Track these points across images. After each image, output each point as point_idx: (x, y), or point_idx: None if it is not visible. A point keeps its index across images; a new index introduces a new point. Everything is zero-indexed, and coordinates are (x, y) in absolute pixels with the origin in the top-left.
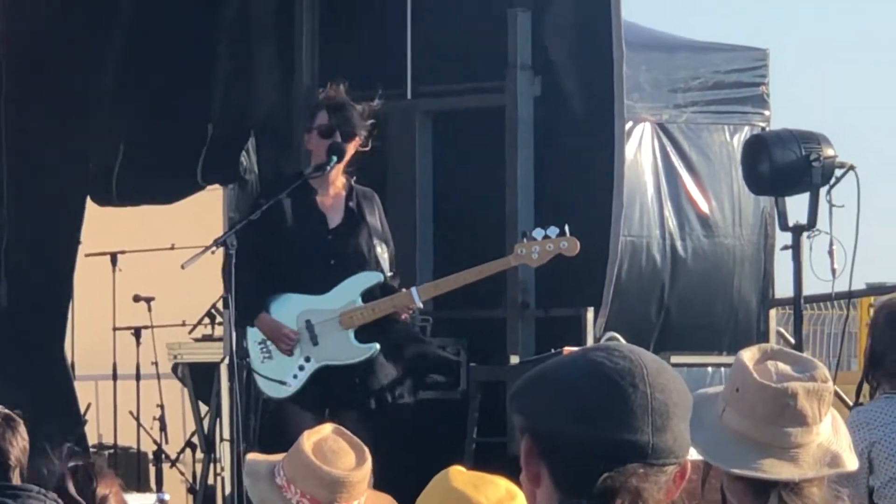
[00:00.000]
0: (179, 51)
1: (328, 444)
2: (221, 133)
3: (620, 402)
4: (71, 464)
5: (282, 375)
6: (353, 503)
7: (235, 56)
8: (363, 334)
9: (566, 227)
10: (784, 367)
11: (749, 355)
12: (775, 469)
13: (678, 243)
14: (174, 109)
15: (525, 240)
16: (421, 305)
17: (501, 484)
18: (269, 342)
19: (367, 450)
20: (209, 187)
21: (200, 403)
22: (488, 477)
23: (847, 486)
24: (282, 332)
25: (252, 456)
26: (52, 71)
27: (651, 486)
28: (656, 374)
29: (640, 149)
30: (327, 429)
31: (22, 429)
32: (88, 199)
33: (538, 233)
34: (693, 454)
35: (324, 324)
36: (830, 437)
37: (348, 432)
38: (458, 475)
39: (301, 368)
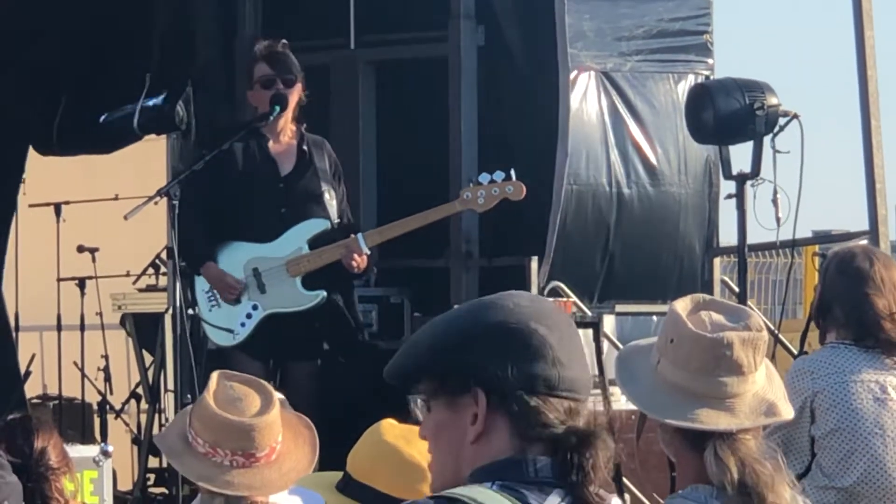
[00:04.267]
0: (118, 2)
1: (230, 393)
2: (159, 83)
3: (537, 338)
4: (9, 417)
5: (229, 323)
6: (278, 438)
7: (173, 6)
8: (311, 282)
9: (511, 172)
10: (718, 317)
11: (682, 306)
12: (712, 419)
13: (624, 191)
14: (113, 59)
15: (471, 184)
16: (367, 251)
17: None
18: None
19: (264, 383)
20: (150, 137)
21: (145, 353)
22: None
23: (787, 433)
24: (225, 280)
25: (157, 434)
26: None
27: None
28: (557, 316)
29: (585, 98)
30: (215, 378)
31: None
32: (31, 149)
33: (484, 177)
34: (629, 405)
35: (271, 271)
36: (765, 386)
37: (236, 373)
38: (390, 429)
39: (249, 316)
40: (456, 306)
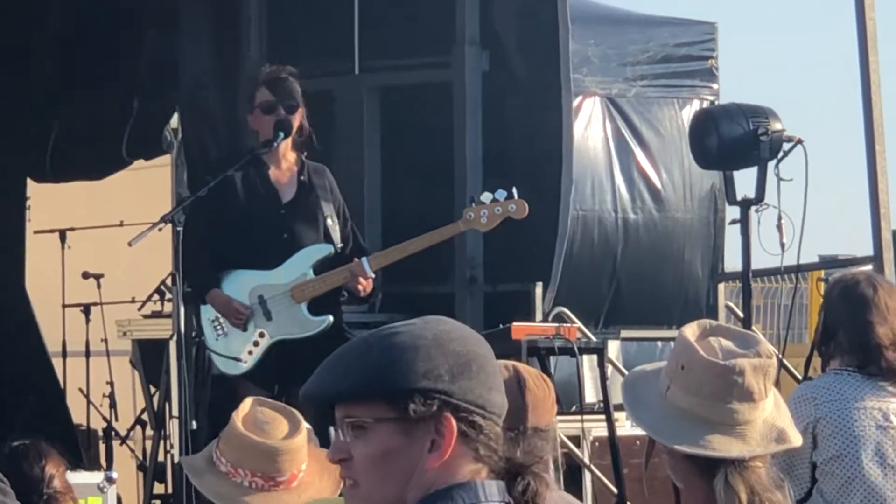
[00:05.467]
0: (107, 26)
1: (258, 416)
2: (146, 108)
3: (490, 365)
4: (17, 443)
5: (236, 352)
6: (301, 466)
7: (162, 31)
8: (317, 307)
9: (514, 190)
10: (727, 344)
11: (691, 331)
12: (724, 446)
13: (630, 217)
14: (101, 85)
15: (474, 204)
16: (372, 275)
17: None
18: (222, 319)
19: (295, 412)
20: (150, 164)
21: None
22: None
23: (788, 458)
24: (232, 306)
25: (185, 457)
26: None
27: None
28: (487, 344)
29: (590, 123)
30: (248, 403)
31: None
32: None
33: (486, 196)
34: (634, 430)
35: (276, 298)
36: (774, 412)
37: (270, 400)
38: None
39: (256, 344)
40: (392, 327)
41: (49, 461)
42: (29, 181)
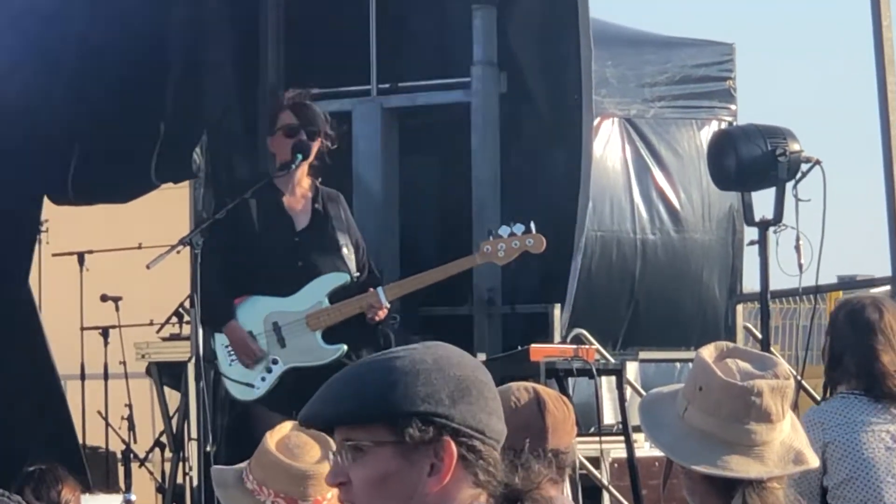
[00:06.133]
0: (132, 48)
1: (292, 440)
2: (174, 131)
3: (489, 390)
4: (34, 468)
5: (249, 378)
6: (327, 495)
7: (188, 54)
8: (331, 336)
9: (531, 224)
10: (745, 365)
11: (708, 353)
12: (742, 467)
13: (649, 238)
14: (127, 107)
15: (491, 237)
16: (387, 305)
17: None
18: None
19: (330, 440)
20: (169, 185)
21: (168, 402)
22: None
23: (799, 483)
24: (247, 345)
25: (217, 467)
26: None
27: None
28: (486, 370)
29: (608, 144)
30: (287, 426)
31: None
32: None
33: (504, 230)
34: (653, 451)
35: (291, 326)
36: (791, 434)
37: (309, 429)
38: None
39: (269, 371)
40: (392, 352)
41: (65, 486)
42: (47, 204)
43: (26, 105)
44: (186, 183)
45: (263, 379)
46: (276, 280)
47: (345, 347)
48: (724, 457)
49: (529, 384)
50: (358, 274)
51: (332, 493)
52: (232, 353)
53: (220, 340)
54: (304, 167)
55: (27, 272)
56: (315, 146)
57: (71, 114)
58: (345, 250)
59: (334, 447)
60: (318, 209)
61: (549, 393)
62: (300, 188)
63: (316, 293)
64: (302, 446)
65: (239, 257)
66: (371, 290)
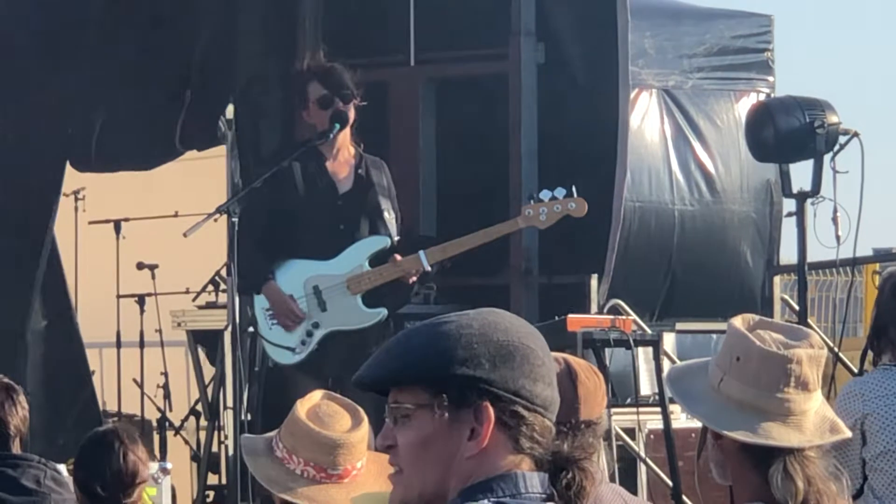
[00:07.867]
0: (159, 16)
1: (322, 408)
2: (199, 98)
3: (535, 357)
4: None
5: (290, 342)
6: (357, 464)
7: (218, 19)
8: (372, 299)
9: (573, 188)
10: (778, 336)
11: (741, 324)
12: (783, 436)
13: (687, 209)
14: (152, 75)
15: (532, 201)
16: (429, 268)
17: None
18: None
19: (361, 410)
20: (209, 153)
21: (204, 370)
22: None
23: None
24: (288, 306)
25: (247, 435)
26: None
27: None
28: (541, 337)
29: (647, 115)
30: (318, 395)
31: (22, 398)
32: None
33: (545, 194)
34: (690, 422)
35: (331, 289)
36: (824, 404)
37: (339, 396)
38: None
39: (309, 335)
40: (443, 317)
41: (137, 447)
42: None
43: (55, 64)
44: (223, 151)
45: (304, 343)
46: (317, 243)
47: (385, 311)
48: (764, 425)
49: (560, 355)
50: (398, 238)
51: (362, 462)
52: (272, 315)
53: (260, 303)
54: (347, 133)
55: (49, 232)
56: (351, 109)
57: (97, 77)
58: (386, 215)
59: (364, 417)
60: (360, 174)
61: (579, 363)
62: (343, 154)
63: (357, 256)
64: (332, 415)
65: (281, 220)
66: (413, 253)
